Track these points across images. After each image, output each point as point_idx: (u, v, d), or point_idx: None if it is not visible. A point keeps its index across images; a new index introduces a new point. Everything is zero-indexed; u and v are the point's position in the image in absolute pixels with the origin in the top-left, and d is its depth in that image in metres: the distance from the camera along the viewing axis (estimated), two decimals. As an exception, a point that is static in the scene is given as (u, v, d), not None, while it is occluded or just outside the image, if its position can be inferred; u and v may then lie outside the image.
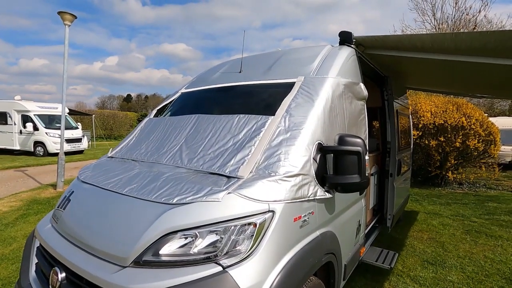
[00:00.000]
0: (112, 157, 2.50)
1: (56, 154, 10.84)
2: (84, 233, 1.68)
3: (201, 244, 1.39)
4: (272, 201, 1.52)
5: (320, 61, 2.45)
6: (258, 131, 1.89)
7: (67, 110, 16.42)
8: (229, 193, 1.49)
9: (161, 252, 1.38)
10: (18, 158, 13.21)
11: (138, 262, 1.39)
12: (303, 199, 1.67)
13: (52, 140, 13.97)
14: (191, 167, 1.87)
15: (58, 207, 1.99)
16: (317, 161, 1.81)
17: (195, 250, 1.38)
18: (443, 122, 7.49)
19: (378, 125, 5.56)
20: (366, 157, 1.91)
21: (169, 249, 1.39)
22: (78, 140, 15.19)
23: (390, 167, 3.66)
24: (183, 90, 3.10)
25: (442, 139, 7.50)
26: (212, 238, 1.40)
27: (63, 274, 1.55)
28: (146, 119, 2.86)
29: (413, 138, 6.17)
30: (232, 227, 1.42)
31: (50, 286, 1.58)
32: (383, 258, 3.16)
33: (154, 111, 2.98)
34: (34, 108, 14.37)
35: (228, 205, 1.46)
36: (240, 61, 2.87)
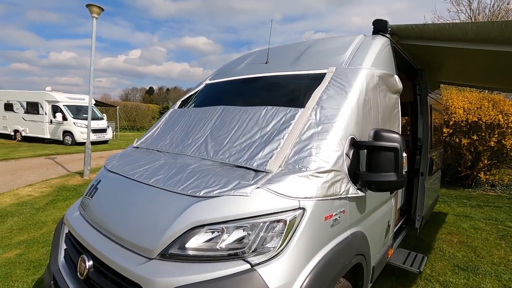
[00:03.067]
0: (137, 147, 2.50)
1: (83, 143, 11.29)
2: (111, 223, 1.68)
3: (228, 239, 1.34)
4: (303, 197, 1.44)
5: (352, 51, 2.31)
6: (287, 123, 1.81)
7: (93, 101, 17.05)
8: (258, 187, 1.43)
9: (187, 246, 1.35)
10: (49, 146, 13.89)
11: (165, 255, 1.36)
12: (334, 197, 1.58)
13: (80, 130, 14.54)
14: (217, 159, 1.82)
15: (86, 195, 2.02)
16: (350, 157, 1.70)
17: (222, 245, 1.33)
18: (477, 120, 7.03)
19: (406, 121, 5.29)
20: (404, 154, 1.77)
21: (195, 243, 1.35)
22: (103, 130, 15.73)
23: (421, 166, 3.46)
24: (207, 82, 3.06)
25: (475, 137, 7.05)
26: (239, 234, 1.35)
27: (91, 262, 1.56)
28: (170, 110, 2.84)
29: (443, 136, 5.83)
30: (261, 224, 1.36)
31: (78, 273, 1.60)
32: (411, 261, 3.01)
33: (179, 102, 2.95)
34: (63, 99, 14.99)
35: (257, 200, 1.40)
36: (266, 52, 2.78)
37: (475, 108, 7.23)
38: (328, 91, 1.95)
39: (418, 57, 3.35)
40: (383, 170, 1.69)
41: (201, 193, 1.47)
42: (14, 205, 5.25)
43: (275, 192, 1.41)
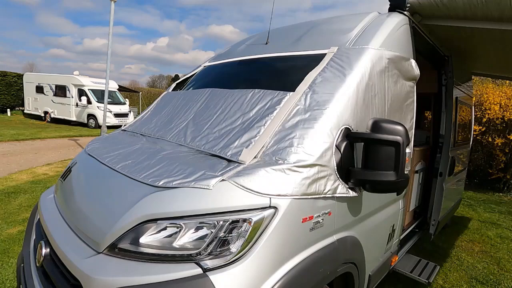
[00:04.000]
0: (125, 130, 2.38)
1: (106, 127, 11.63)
2: (72, 209, 1.56)
3: (181, 238, 1.16)
4: (275, 195, 1.22)
5: (361, 29, 2.00)
6: (271, 109, 1.58)
7: (116, 86, 17.51)
8: (223, 180, 1.23)
9: (137, 241, 1.18)
10: (74, 128, 14.49)
11: (113, 249, 1.21)
12: (317, 196, 1.35)
13: (103, 113, 15.01)
14: (193, 146, 1.64)
15: (60, 177, 1.93)
16: (341, 150, 1.45)
17: (175, 244, 1.15)
18: (515, 118, 6.32)
19: (431, 115, 4.83)
20: (408, 150, 1.49)
21: (145, 239, 1.18)
22: (125, 115, 16.13)
23: (440, 165, 3.08)
24: (206, 64, 2.86)
25: (511, 137, 6.36)
26: (195, 232, 1.16)
27: (47, 250, 1.45)
28: (164, 93, 2.69)
29: (473, 134, 5.27)
30: (221, 222, 1.16)
31: (36, 260, 1.51)
32: (420, 270, 2.70)
33: (173, 85, 2.79)
34: (88, 83, 15.48)
35: (220, 195, 1.20)
36: (269, 33, 2.52)
37: (514, 105, 6.50)
38: (324, 73, 1.68)
39: (445, 41, 2.94)
40: (380, 167, 1.42)
41: (161, 183, 1.29)
42: (29, 182, 5.44)
43: (242, 186, 1.21)
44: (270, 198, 1.21)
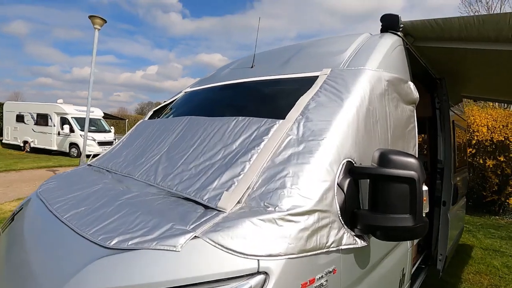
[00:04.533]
0: (91, 165, 2.07)
1: (89, 156, 11.11)
2: (9, 273, 1.20)
3: None
4: (265, 255, 0.93)
5: (354, 50, 1.83)
6: (258, 140, 1.32)
7: (101, 114, 17.13)
8: (195, 237, 0.93)
9: None
10: (54, 158, 13.82)
11: None
12: (319, 251, 1.06)
13: (83, 142, 14.47)
14: (164, 186, 1.35)
15: (1, 226, 1.57)
16: (345, 190, 1.18)
17: None
18: (503, 139, 6.32)
19: (423, 139, 4.71)
20: (424, 188, 1.24)
21: None
22: (110, 143, 15.60)
23: (443, 194, 2.85)
24: (187, 89, 2.63)
25: (502, 158, 6.31)
26: None
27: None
28: (139, 122, 2.42)
29: (467, 157, 5.17)
30: None
31: None
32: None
33: (150, 113, 2.53)
34: (72, 111, 15.06)
35: (191, 259, 0.90)
36: (254, 56, 2.34)
37: (501, 126, 6.53)
38: (317, 97, 1.46)
39: (437, 64, 2.83)
40: (393, 210, 1.16)
41: (113, 242, 0.98)
42: (-8, 221, 4.89)
43: (221, 246, 0.91)
44: (258, 260, 0.91)
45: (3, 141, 17.20)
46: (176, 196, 1.25)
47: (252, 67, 2.25)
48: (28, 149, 15.68)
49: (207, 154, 1.40)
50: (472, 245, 4.91)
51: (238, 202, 1.09)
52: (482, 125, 6.67)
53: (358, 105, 1.40)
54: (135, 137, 2.10)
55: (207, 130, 1.57)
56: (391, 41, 1.94)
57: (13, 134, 16.50)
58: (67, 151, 14.71)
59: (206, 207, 1.11)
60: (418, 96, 1.98)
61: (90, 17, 7.24)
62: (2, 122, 17.38)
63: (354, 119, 1.35)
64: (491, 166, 6.45)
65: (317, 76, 1.64)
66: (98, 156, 2.17)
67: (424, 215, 1.19)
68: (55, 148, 15.08)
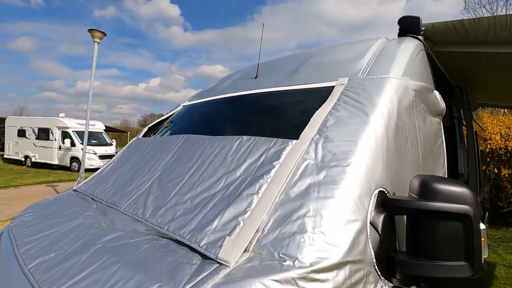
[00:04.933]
0: (77, 190, 1.83)
1: (90, 170, 10.92)
2: None
3: None
4: None
5: (372, 56, 1.60)
6: (268, 166, 1.08)
7: (103, 127, 17.03)
8: (188, 308, 0.68)
9: None
10: (54, 173, 13.63)
11: None
12: None
13: (87, 156, 14.28)
14: (153, 223, 1.11)
15: None
16: (379, 230, 0.93)
17: None
18: (519, 147, 6.03)
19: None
20: (482, 226, 0.99)
21: None
22: (111, 156, 15.44)
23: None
24: (185, 103, 2.42)
25: (518, 168, 6.01)
26: None
27: None
28: (132, 140, 2.20)
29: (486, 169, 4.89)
30: None
31: None
32: None
33: (145, 129, 2.31)
34: (73, 125, 14.96)
35: None
36: (258, 66, 2.12)
37: (516, 134, 6.26)
38: (336, 112, 1.22)
39: (455, 70, 2.61)
40: (441, 255, 0.90)
41: (78, 315, 0.73)
42: (-16, 244, 4.64)
43: None
44: None
45: (4, 156, 17.09)
46: (167, 238, 1.01)
47: (256, 77, 2.04)
48: (29, 164, 15.53)
49: (205, 183, 1.16)
50: (494, 262, 4.56)
51: (245, 251, 0.84)
52: (495, 132, 6.41)
53: (386, 120, 1.16)
54: (127, 158, 1.87)
55: (206, 152, 1.34)
56: (413, 45, 1.72)
57: (15, 149, 16.40)
58: (68, 165, 14.53)
59: (203, 256, 0.87)
60: (444, 106, 1.75)
61: (89, 30, 7.16)
62: (4, 137, 17.30)
63: (383, 138, 1.11)
64: (506, 175, 6.14)
65: (333, 87, 1.41)
66: (87, 180, 1.94)
67: (483, 262, 0.94)
68: (56, 162, 14.92)
